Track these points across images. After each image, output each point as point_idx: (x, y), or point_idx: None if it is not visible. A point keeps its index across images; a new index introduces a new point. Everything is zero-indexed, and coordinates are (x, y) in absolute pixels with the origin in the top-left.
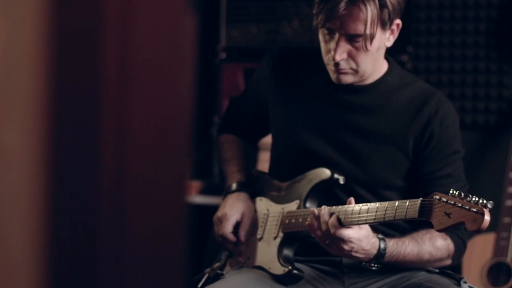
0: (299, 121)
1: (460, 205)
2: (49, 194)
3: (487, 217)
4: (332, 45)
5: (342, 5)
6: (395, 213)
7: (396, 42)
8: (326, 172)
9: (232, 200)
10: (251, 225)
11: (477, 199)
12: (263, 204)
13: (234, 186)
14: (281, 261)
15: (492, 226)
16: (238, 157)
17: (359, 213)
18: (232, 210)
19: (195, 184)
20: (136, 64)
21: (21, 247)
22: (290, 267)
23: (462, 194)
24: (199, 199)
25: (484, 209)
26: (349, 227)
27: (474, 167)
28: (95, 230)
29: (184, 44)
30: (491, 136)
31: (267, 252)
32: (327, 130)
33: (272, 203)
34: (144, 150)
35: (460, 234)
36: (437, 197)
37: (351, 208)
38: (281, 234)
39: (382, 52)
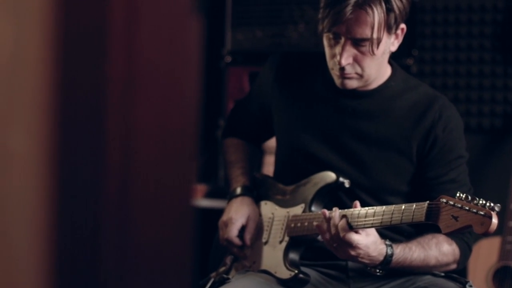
0: (303, 126)
1: (467, 208)
2: (55, 197)
3: (494, 220)
4: (337, 49)
5: (349, 9)
6: (402, 216)
7: (401, 46)
8: (331, 176)
9: (237, 204)
10: (257, 229)
11: (484, 202)
12: (268, 208)
13: (238, 190)
14: (287, 265)
15: (498, 230)
16: (242, 160)
17: (366, 216)
18: (237, 214)
19: (201, 188)
20: (142, 68)
21: (26, 250)
22: (296, 271)
23: (469, 197)
24: (204, 202)
25: (492, 212)
26: (358, 232)
27: (480, 171)
28: (100, 233)
29: (190, 48)
30: (496, 140)
31: (273, 256)
32: (330, 136)
33: (277, 207)
34: (150, 153)
35: (465, 238)
36: (444, 200)
37: (357, 212)
38: (286, 238)
39: (387, 57)
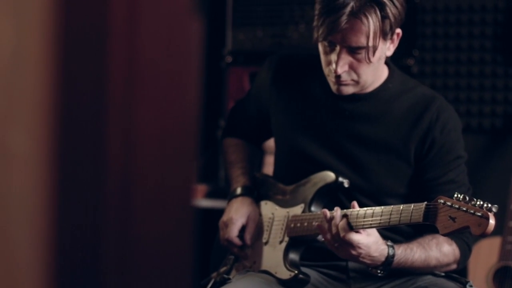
0: (300, 129)
1: (465, 209)
2: (55, 197)
3: (492, 221)
4: (333, 57)
5: (344, 18)
6: (400, 217)
7: (402, 46)
8: (331, 176)
9: (237, 205)
10: (257, 229)
11: (481, 203)
12: (268, 208)
13: (239, 190)
14: (287, 265)
15: (498, 230)
16: (242, 160)
17: (364, 217)
18: (238, 214)
19: (201, 188)
20: (143, 68)
21: (26, 250)
22: (296, 272)
23: (467, 198)
24: (205, 202)
25: (489, 213)
26: (359, 232)
27: (480, 171)
28: (100, 233)
29: (190, 47)
30: (497, 140)
31: (273, 256)
32: (328, 139)
33: (277, 207)
34: (150, 153)
35: (465, 238)
36: (442, 201)
37: (356, 212)
38: (286, 238)
39: (383, 61)
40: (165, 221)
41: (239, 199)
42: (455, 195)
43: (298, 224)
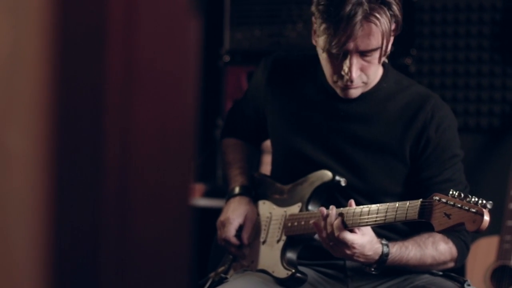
0: (296, 129)
1: (459, 205)
2: (53, 197)
3: (486, 218)
4: (345, 64)
5: (358, 26)
6: (396, 214)
7: (399, 45)
8: (328, 174)
9: (235, 204)
10: (254, 228)
11: (476, 199)
12: (266, 207)
13: (236, 189)
14: (285, 264)
15: (496, 229)
16: (240, 160)
17: (361, 215)
18: (234, 213)
19: (199, 187)
20: (140, 67)
21: (25, 250)
22: (293, 270)
23: (462, 194)
24: (202, 202)
25: (484, 210)
26: (353, 232)
27: (478, 170)
28: (98, 233)
29: (188, 47)
30: (494, 139)
31: (271, 256)
32: (324, 140)
33: (274, 206)
34: (148, 153)
35: (462, 237)
36: (437, 198)
37: (352, 210)
38: (284, 237)
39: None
40: (163, 221)
41: (237, 198)
42: (450, 192)
43: (296, 223)
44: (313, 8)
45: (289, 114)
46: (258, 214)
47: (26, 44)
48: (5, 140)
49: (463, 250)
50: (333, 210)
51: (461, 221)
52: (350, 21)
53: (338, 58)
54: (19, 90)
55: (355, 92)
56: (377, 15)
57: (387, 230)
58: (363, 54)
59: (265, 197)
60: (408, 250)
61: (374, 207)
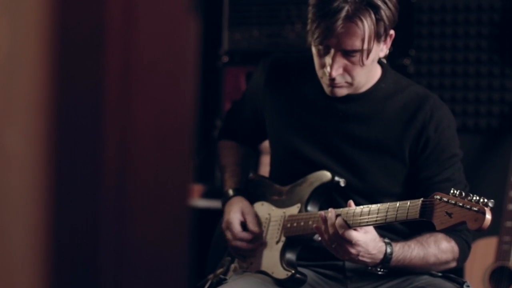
0: (295, 130)
1: (461, 204)
2: (51, 197)
3: (488, 216)
4: (327, 60)
5: (340, 22)
6: (397, 214)
7: (398, 46)
8: (327, 175)
9: (229, 206)
10: (256, 217)
11: (478, 198)
12: (264, 209)
13: (230, 192)
14: (284, 265)
15: (494, 230)
16: (233, 164)
17: (361, 215)
18: (231, 213)
19: (197, 188)
20: (139, 68)
21: (23, 250)
22: (293, 271)
23: (463, 193)
24: (201, 202)
25: (485, 208)
26: (356, 230)
27: (476, 171)
28: (97, 233)
29: (187, 48)
30: (493, 140)
31: (270, 257)
32: (322, 140)
33: (273, 208)
34: (147, 153)
35: (463, 236)
36: (438, 197)
37: (352, 210)
38: (283, 238)
39: (376, 63)
40: (161, 221)
41: (230, 201)
42: (452, 191)
43: (295, 224)
44: (309, 5)
45: (287, 115)
46: (257, 215)
47: (25, 44)
48: (4, 140)
49: (464, 249)
50: (332, 212)
51: (463, 220)
52: (334, 16)
53: (323, 53)
54: (18, 90)
55: (340, 91)
56: (361, 17)
57: (386, 231)
58: (346, 54)
59: (264, 198)
60: (411, 249)
61: (374, 207)
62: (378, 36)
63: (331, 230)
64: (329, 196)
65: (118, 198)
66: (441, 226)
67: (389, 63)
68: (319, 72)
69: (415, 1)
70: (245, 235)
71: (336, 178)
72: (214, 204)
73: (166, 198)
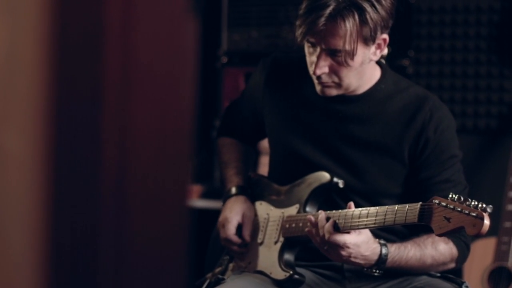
0: (294, 130)
1: (459, 209)
2: (50, 197)
3: (486, 222)
4: (314, 58)
5: (322, 20)
6: (395, 217)
7: (397, 47)
8: (325, 176)
9: (231, 204)
10: (253, 225)
11: (476, 203)
12: (263, 209)
13: (233, 190)
14: (282, 266)
15: (493, 231)
16: (236, 160)
17: (359, 217)
18: (232, 212)
19: (196, 188)
20: (138, 68)
21: (21, 250)
22: (291, 272)
23: (462, 198)
24: (200, 203)
25: (484, 214)
26: (347, 232)
27: (475, 172)
28: (95, 233)
29: (186, 48)
30: (492, 141)
31: (268, 257)
32: (322, 141)
33: (272, 207)
34: (145, 154)
35: (462, 237)
36: (437, 201)
37: (350, 213)
38: (281, 239)
39: (368, 66)
40: (160, 222)
41: (233, 198)
42: (450, 196)
43: (293, 225)
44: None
45: (287, 115)
46: (256, 215)
47: (24, 44)
48: (3, 140)
49: (463, 250)
50: (321, 215)
51: (461, 225)
52: (317, 13)
53: (312, 52)
54: (17, 91)
55: (328, 91)
56: (344, 18)
57: (385, 232)
58: (332, 53)
59: (262, 198)
60: (407, 250)
61: (373, 209)
62: (364, 39)
63: (321, 233)
64: (328, 197)
65: (117, 198)
66: (439, 230)
67: (388, 64)
68: (310, 70)
69: (414, 1)
70: (236, 239)
71: (335, 179)
72: (213, 204)
73: (165, 198)
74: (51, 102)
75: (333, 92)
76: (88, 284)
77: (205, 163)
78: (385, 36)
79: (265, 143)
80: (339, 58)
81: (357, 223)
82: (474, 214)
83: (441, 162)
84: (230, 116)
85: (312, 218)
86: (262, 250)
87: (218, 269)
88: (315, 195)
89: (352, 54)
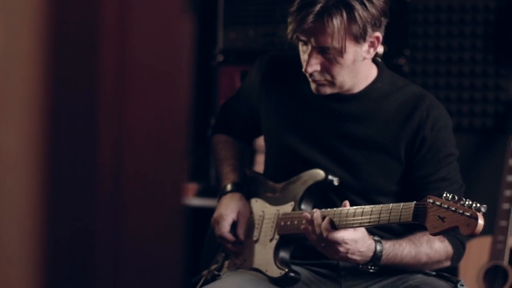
0: (290, 129)
1: (453, 209)
2: (46, 196)
3: (480, 221)
4: (306, 56)
5: (311, 17)
6: (389, 216)
7: (393, 45)
8: (320, 173)
9: (227, 200)
10: (248, 224)
11: (470, 203)
12: (258, 206)
13: (228, 187)
14: (278, 263)
15: (489, 229)
16: (232, 157)
17: (354, 215)
18: (227, 209)
19: (192, 186)
20: (134, 67)
21: (18, 250)
22: (286, 270)
23: (456, 197)
24: (196, 201)
25: (478, 213)
26: (344, 229)
27: (471, 170)
28: (92, 232)
29: (182, 46)
30: (488, 139)
31: (264, 255)
32: (318, 139)
33: (267, 205)
34: (142, 152)
35: (458, 236)
36: (431, 200)
37: (345, 211)
38: (277, 236)
39: (362, 64)
40: (156, 220)
41: (229, 195)
42: (444, 195)
43: (288, 222)
44: None
45: (283, 113)
46: (251, 213)
47: (19, 43)
48: None
49: (459, 249)
50: (317, 213)
51: (455, 225)
52: (306, 10)
53: (304, 50)
54: (13, 90)
55: (322, 89)
56: (331, 15)
57: (381, 230)
58: (322, 51)
59: (258, 195)
60: (402, 247)
61: (367, 208)
62: (355, 37)
63: (317, 231)
64: (324, 194)
65: (113, 197)
66: (433, 230)
67: (384, 63)
68: (304, 68)
69: (410, 0)
70: (230, 237)
71: (330, 177)
72: (209, 202)
73: (161, 197)
74: (47, 101)
75: (328, 90)
76: (84, 283)
77: (201, 161)
78: (378, 34)
79: (260, 142)
80: (329, 56)
81: (352, 222)
82: (468, 214)
83: (438, 161)
84: (225, 114)
85: (308, 216)
86: (257, 247)
87: (213, 266)
88: (310, 192)
89: (341, 52)
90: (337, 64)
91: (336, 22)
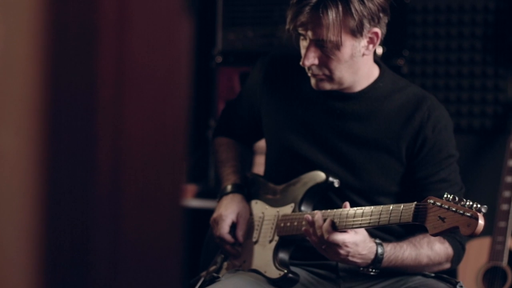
0: (292, 128)
1: (454, 209)
2: (45, 197)
3: (481, 222)
4: (303, 50)
5: (307, 9)
6: (390, 217)
7: (392, 46)
8: (321, 175)
9: (227, 201)
10: (248, 225)
11: (471, 203)
12: (258, 207)
13: (229, 188)
14: (277, 264)
15: (488, 230)
16: (233, 159)
17: (354, 216)
18: (227, 210)
19: (191, 188)
20: (132, 68)
21: (16, 250)
22: (285, 271)
23: (456, 198)
24: (194, 202)
25: (478, 214)
26: (345, 232)
27: (470, 171)
28: (90, 233)
29: (180, 48)
30: (487, 140)
31: (263, 256)
32: (319, 138)
33: (267, 206)
34: (140, 154)
35: (458, 237)
36: (431, 201)
37: (346, 212)
38: (276, 238)
39: (362, 61)
40: (155, 221)
41: (229, 196)
42: (445, 195)
43: (288, 224)
44: None
45: (285, 113)
46: (251, 214)
47: (18, 44)
48: None
49: (459, 250)
50: (317, 214)
51: (455, 225)
52: (303, 2)
53: (303, 45)
54: (11, 90)
55: (321, 84)
56: (327, 8)
57: (381, 231)
58: (320, 44)
59: (258, 197)
60: (403, 250)
61: (367, 209)
62: (351, 31)
63: (318, 232)
64: (325, 195)
65: (112, 198)
66: (434, 230)
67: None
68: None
69: (409, 1)
70: (229, 238)
71: (330, 179)
72: (208, 204)
73: (160, 198)
74: (45, 102)
75: (327, 86)
76: (83, 283)
77: (199, 162)
78: (377, 30)
79: (260, 143)
80: (326, 49)
81: (352, 222)
82: (468, 214)
83: (438, 162)
84: (227, 116)
85: (310, 217)
86: (256, 248)
87: (212, 268)
88: (310, 194)
89: (338, 45)
90: (334, 58)
91: (332, 14)
